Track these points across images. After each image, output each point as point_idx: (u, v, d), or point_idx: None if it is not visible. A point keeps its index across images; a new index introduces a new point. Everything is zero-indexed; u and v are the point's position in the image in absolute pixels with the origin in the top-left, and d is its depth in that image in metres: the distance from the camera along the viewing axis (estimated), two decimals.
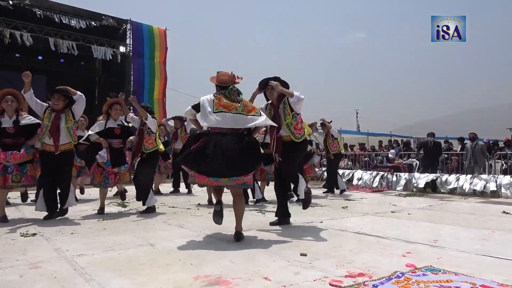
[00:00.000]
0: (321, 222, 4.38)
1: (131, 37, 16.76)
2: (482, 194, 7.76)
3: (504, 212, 5.32)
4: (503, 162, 9.14)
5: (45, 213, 4.55)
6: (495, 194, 7.61)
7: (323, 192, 7.87)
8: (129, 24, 16.82)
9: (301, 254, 2.87)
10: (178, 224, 4.28)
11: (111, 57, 15.97)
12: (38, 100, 4.54)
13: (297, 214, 4.99)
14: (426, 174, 8.82)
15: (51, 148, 4.41)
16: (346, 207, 5.81)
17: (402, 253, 2.93)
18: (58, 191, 4.64)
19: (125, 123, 5.67)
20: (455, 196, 7.77)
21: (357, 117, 37.19)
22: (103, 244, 3.26)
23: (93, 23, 15.58)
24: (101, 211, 5.00)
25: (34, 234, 3.63)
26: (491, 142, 12.74)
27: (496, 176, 8.01)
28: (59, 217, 4.56)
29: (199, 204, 6.09)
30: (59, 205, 4.60)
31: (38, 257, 2.81)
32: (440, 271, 2.43)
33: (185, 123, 7.61)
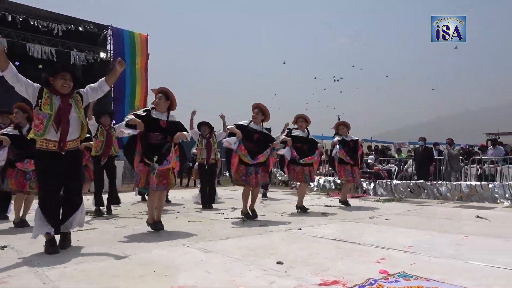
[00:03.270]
0: (300, 229, 4.39)
1: (111, 43, 16.61)
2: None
3: (477, 216, 5.45)
4: (477, 167, 9.39)
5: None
6: (470, 198, 7.82)
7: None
8: (109, 30, 16.67)
9: (278, 263, 2.87)
10: (156, 234, 4.22)
11: (91, 63, 15.78)
12: (28, 80, 3.32)
13: (277, 222, 5.01)
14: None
15: (55, 146, 3.31)
16: (325, 213, 5.85)
17: (376, 259, 2.97)
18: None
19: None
20: (432, 201, 7.93)
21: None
22: (76, 255, 3.18)
23: (72, 28, 15.39)
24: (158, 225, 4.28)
25: (3, 247, 3.51)
26: (467, 147, 13.08)
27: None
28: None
29: (178, 212, 6.03)
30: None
31: (6, 271, 2.71)
32: (412, 277, 2.47)
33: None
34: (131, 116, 4.15)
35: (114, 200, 5.91)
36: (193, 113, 6.85)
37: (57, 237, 3.41)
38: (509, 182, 7.84)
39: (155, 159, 4.00)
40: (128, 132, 4.09)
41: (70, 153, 3.40)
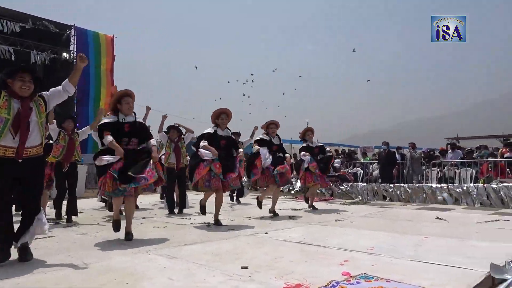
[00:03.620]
0: (266, 233, 4.40)
1: (75, 43, 16.10)
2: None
3: (437, 217, 5.67)
4: (438, 170, 9.79)
5: None
6: (432, 200, 8.13)
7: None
8: (73, 29, 16.15)
9: (242, 267, 2.85)
10: (119, 241, 4.09)
11: (53, 63, 15.20)
12: None
13: (244, 226, 5.00)
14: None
15: (13, 153, 3.07)
16: (293, 216, 5.90)
17: (340, 261, 3.02)
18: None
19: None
20: (395, 203, 8.18)
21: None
22: (31, 265, 3.02)
23: (33, 27, 14.78)
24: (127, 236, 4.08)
25: None
26: (429, 151, 13.63)
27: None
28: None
29: (143, 218, 5.89)
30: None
31: None
32: (373, 278, 2.53)
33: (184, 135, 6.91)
34: (109, 138, 3.94)
35: (74, 210, 5.67)
36: (164, 117, 6.79)
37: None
38: (467, 185, 8.23)
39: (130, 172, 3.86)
40: (107, 159, 3.90)
41: (31, 160, 3.16)
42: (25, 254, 3.18)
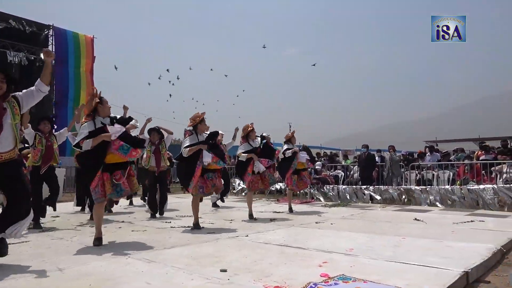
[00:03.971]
0: (247, 236, 4.38)
1: (53, 43, 15.75)
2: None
3: (415, 219, 5.78)
4: (416, 172, 9.98)
5: None
6: (411, 202, 8.29)
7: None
8: (51, 29, 15.80)
9: (221, 270, 2.83)
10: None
11: (30, 64, 14.82)
12: None
13: (225, 229, 4.97)
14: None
15: None
16: (273, 219, 5.91)
17: (319, 263, 3.03)
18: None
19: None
20: (375, 205, 8.30)
21: (290, 130, 38.42)
22: (3, 271, 2.92)
23: (9, 26, 14.40)
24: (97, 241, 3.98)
25: None
26: (408, 154, 13.88)
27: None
28: None
29: (123, 221, 5.79)
30: None
31: None
32: (350, 279, 2.55)
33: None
34: (87, 140, 3.82)
35: (51, 203, 5.52)
36: (148, 120, 6.69)
37: None
38: (445, 186, 8.41)
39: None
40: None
41: (6, 165, 3.05)
42: (2, 248, 3.12)
